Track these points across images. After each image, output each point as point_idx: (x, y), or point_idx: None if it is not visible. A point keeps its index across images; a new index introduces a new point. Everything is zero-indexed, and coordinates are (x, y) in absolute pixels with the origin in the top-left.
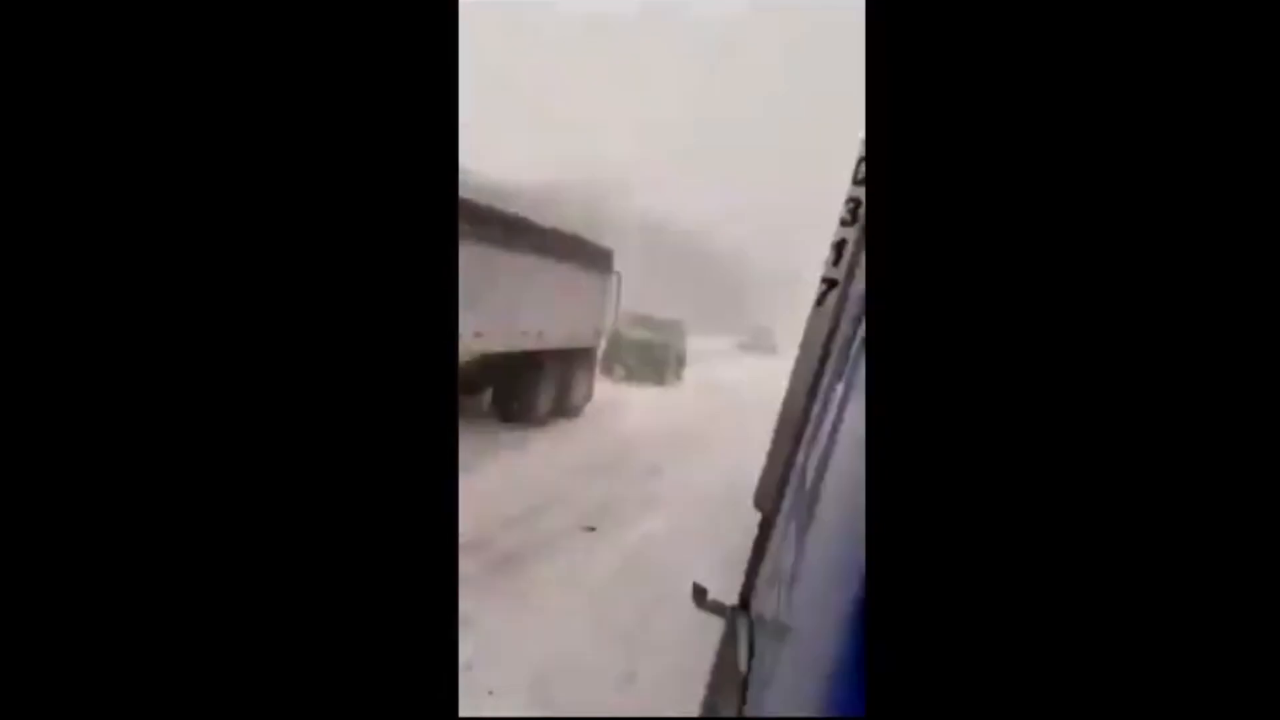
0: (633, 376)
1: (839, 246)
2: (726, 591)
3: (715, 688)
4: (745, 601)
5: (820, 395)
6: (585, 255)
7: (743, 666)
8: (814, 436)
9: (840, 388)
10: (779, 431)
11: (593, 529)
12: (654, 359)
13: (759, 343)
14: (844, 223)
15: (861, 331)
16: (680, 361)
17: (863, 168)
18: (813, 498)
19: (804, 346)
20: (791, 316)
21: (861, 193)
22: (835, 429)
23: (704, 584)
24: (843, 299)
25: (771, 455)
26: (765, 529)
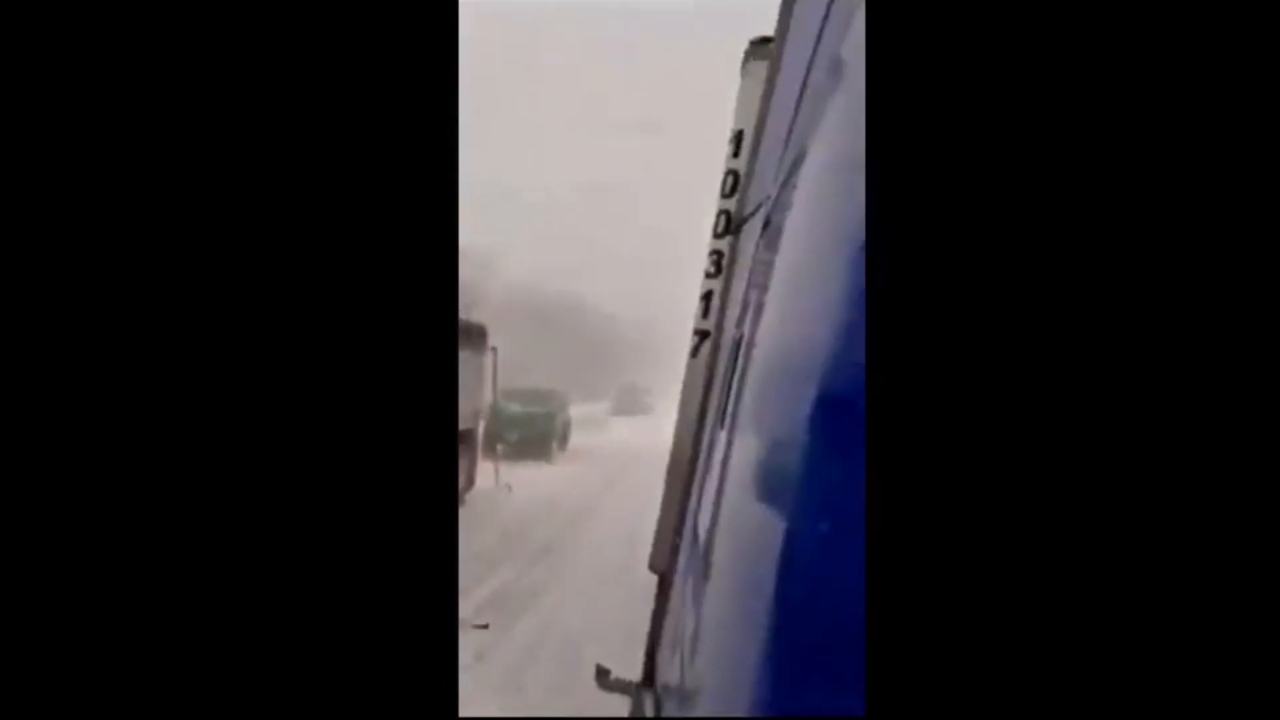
0: (516, 454)
1: (707, 298)
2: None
3: None
4: (650, 673)
5: (704, 446)
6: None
7: None
8: (702, 488)
9: (723, 435)
10: (668, 488)
11: (485, 626)
12: (537, 433)
13: (630, 404)
14: (709, 275)
15: (738, 375)
16: (565, 433)
17: (721, 221)
18: (706, 549)
19: (683, 400)
20: (665, 370)
21: (723, 245)
22: (723, 477)
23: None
24: (715, 348)
25: (663, 514)
26: (663, 591)
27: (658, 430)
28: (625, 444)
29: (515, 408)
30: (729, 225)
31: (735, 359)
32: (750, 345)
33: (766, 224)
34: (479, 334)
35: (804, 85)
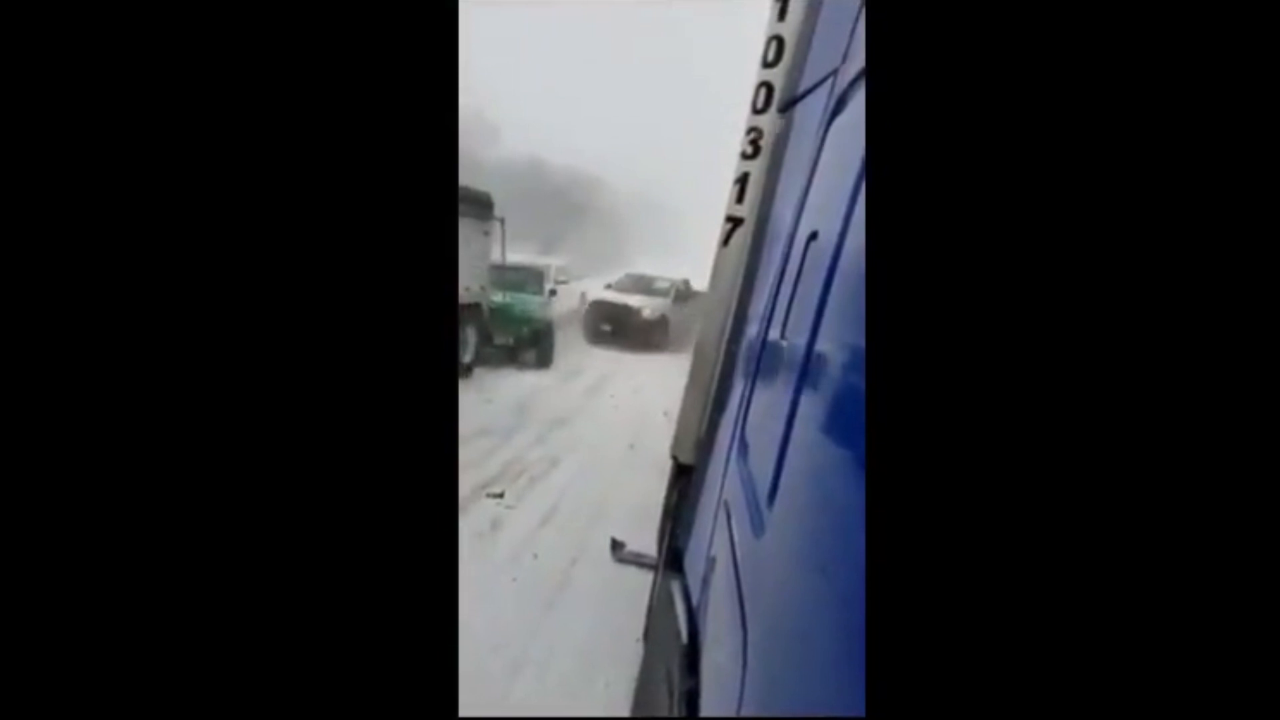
0: (508, 359)
1: (742, 181)
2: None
3: (654, 648)
4: (675, 556)
5: (751, 345)
6: (463, 202)
7: (684, 636)
8: (750, 393)
9: (782, 343)
10: (693, 376)
11: (500, 495)
12: (531, 332)
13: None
14: (745, 156)
15: (813, 282)
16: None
17: (762, 94)
18: (776, 472)
19: (713, 287)
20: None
21: (762, 122)
22: (795, 398)
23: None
24: (758, 237)
25: (687, 404)
26: (687, 479)
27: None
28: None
29: (501, 299)
30: (769, 100)
31: (802, 260)
32: (836, 251)
33: (840, 104)
34: (484, 204)
35: None
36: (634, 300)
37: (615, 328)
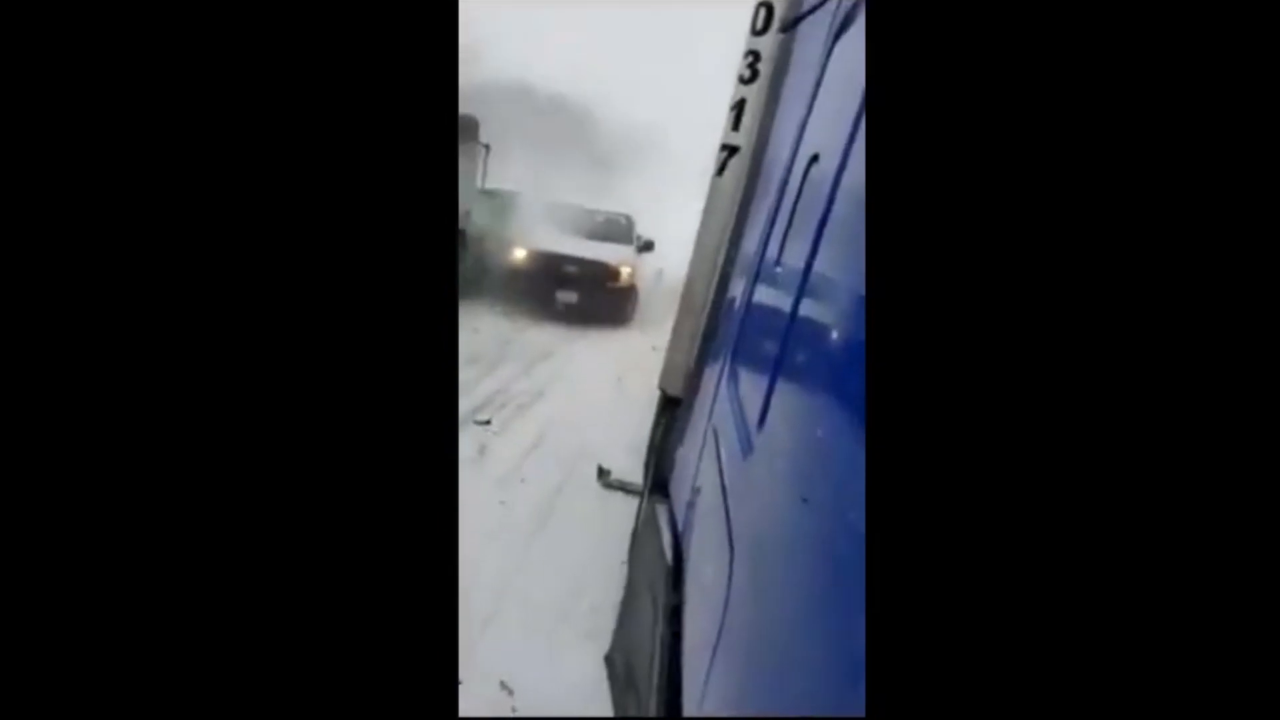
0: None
1: (738, 108)
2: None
3: (638, 568)
4: (660, 483)
5: (752, 269)
6: None
7: (669, 556)
8: (741, 329)
9: (778, 270)
10: (683, 309)
11: (487, 422)
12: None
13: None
14: (743, 80)
15: (813, 209)
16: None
17: (761, 15)
18: (753, 424)
19: (706, 218)
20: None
21: (761, 44)
22: (784, 346)
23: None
24: (754, 169)
25: (677, 333)
26: (673, 409)
27: None
28: None
29: (486, 223)
30: (770, 20)
31: (802, 183)
32: (839, 172)
33: (847, 21)
34: (469, 127)
35: None
36: (598, 250)
37: (582, 296)
